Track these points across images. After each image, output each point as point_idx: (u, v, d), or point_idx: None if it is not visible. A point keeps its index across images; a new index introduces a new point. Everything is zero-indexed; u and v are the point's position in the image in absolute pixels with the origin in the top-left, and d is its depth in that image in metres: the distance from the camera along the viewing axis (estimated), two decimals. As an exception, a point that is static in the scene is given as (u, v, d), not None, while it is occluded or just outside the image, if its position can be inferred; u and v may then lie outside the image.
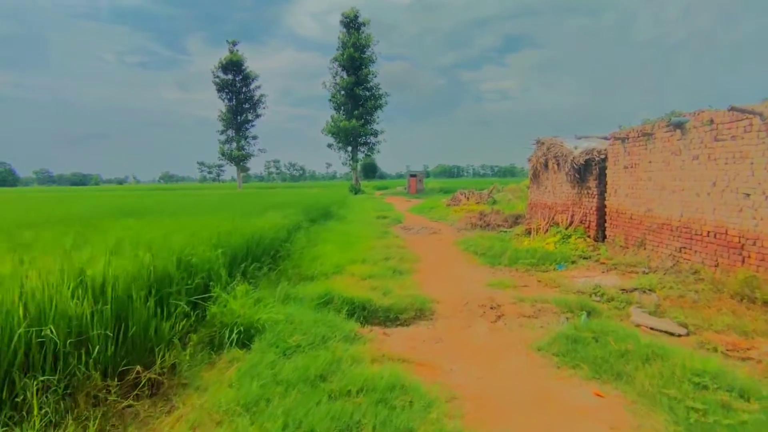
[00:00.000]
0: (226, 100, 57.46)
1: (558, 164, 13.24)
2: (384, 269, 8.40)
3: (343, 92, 43.47)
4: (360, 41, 42.40)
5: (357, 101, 43.17)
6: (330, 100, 44.10)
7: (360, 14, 43.12)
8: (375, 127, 45.12)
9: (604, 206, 11.21)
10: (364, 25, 43.49)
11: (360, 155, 45.59)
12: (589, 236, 11.43)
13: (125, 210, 12.03)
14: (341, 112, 44.36)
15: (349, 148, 44.79)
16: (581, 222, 11.86)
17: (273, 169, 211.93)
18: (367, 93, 43.56)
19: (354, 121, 41.82)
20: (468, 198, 24.64)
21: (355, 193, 41.68)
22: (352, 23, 43.03)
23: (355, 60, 41.96)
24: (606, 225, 11.02)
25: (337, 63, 43.13)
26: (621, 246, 10.10)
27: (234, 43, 58.04)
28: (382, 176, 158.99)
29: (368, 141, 45.22)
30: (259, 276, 6.94)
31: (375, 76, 44.06)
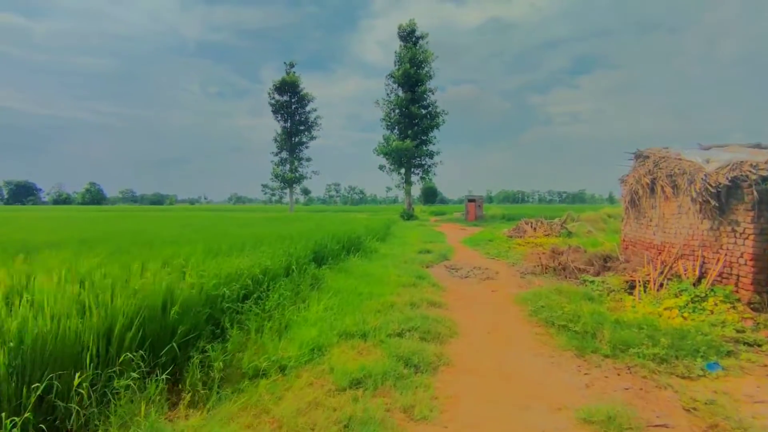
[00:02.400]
0: (281, 122, 56.93)
1: (675, 187, 9.06)
2: (390, 359, 4.83)
3: (397, 110, 40.65)
4: (417, 56, 39.61)
5: (412, 120, 40.11)
6: (383, 119, 41.45)
7: (418, 27, 40.50)
8: (431, 148, 41.78)
9: (764, 252, 6.97)
10: (422, 39, 40.72)
11: (414, 178, 42.30)
12: (738, 299, 7.18)
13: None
14: (395, 131, 41.51)
15: (402, 170, 41.64)
16: (721, 275, 7.61)
17: (333, 193, 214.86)
18: (423, 111, 40.40)
19: (408, 141, 38.73)
20: (535, 228, 20.38)
21: (407, 219, 38.24)
22: (409, 36, 40.43)
23: (411, 76, 39.12)
24: (772, 284, 6.77)
25: (392, 79, 40.53)
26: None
27: (291, 65, 57.74)
28: (444, 201, 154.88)
29: (423, 163, 41.85)
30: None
31: (432, 93, 40.98)
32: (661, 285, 8.15)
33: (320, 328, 5.52)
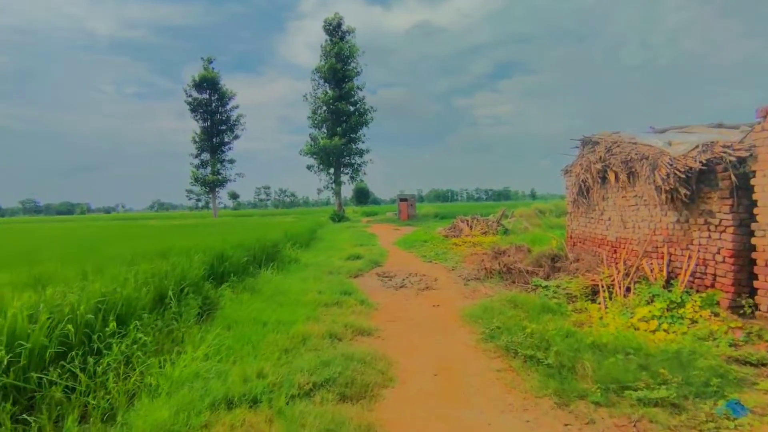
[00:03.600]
0: (200, 121, 52.57)
1: (631, 174, 7.98)
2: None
3: (324, 107, 38.59)
4: (344, 51, 37.81)
5: (340, 117, 38.24)
6: (310, 116, 39.20)
7: (344, 22, 38.72)
8: (360, 146, 40.17)
9: (747, 247, 5.93)
10: (349, 34, 39.00)
11: (344, 178, 40.44)
12: (717, 302, 6.09)
13: None
14: (323, 129, 39.41)
15: (332, 170, 39.64)
16: (693, 275, 6.53)
17: (264, 196, 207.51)
18: (351, 108, 38.67)
19: (337, 139, 36.82)
20: (471, 226, 19.32)
21: (338, 221, 36.34)
22: (335, 31, 38.51)
23: (337, 71, 37.23)
24: (757, 282, 5.72)
25: (318, 74, 38.38)
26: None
27: (209, 61, 53.52)
28: (376, 201, 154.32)
29: (353, 162, 40.11)
30: None
31: (360, 89, 39.36)
32: (628, 289, 6.96)
33: (183, 398, 3.53)
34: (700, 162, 6.19)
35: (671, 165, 6.65)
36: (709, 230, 6.39)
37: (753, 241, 5.82)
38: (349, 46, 38.79)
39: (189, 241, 9.60)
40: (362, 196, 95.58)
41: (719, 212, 6.19)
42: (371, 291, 8.85)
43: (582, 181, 9.57)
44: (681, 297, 6.26)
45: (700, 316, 5.94)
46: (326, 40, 38.39)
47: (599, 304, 6.88)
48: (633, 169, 7.82)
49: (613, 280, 7.21)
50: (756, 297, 5.82)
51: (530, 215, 23.31)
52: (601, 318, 6.35)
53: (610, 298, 6.91)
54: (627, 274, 7.22)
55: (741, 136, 6.45)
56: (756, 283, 5.81)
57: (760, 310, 5.77)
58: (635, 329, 5.86)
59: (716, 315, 5.95)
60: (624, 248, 8.38)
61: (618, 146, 8.35)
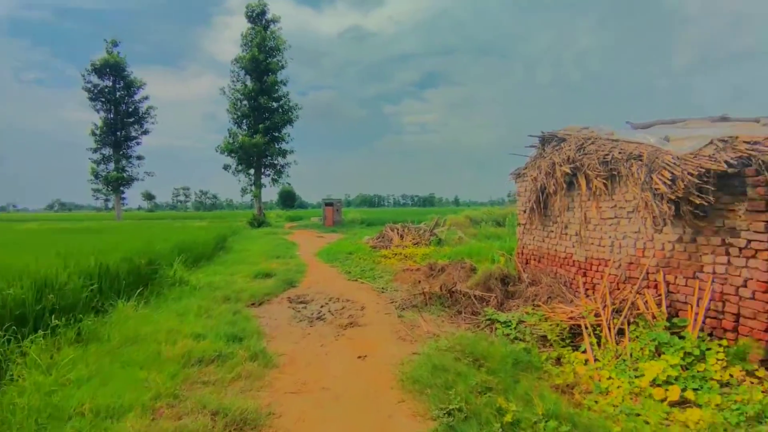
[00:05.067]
0: (101, 111, 46.33)
1: (612, 179, 6.31)
2: None
3: (245, 102, 35.13)
4: (267, 41, 34.67)
5: (262, 113, 34.94)
6: (228, 110, 35.44)
7: (269, 10, 35.55)
8: (284, 146, 37.08)
9: (784, 280, 4.36)
10: (274, 23, 35.84)
11: (266, 180, 37.08)
12: (743, 354, 4.45)
13: None
14: (243, 126, 35.87)
15: (252, 171, 36.17)
16: (706, 314, 4.88)
17: (182, 197, 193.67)
18: (275, 104, 35.53)
19: (258, 137, 33.51)
20: (402, 236, 17.38)
21: (257, 226, 33.02)
22: (258, 18, 35.18)
23: (260, 63, 33.95)
24: (811, 334, 4.14)
25: (239, 65, 34.83)
26: None
27: (114, 44, 47.39)
28: (303, 205, 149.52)
29: (275, 162, 36.89)
30: None
31: (285, 85, 36.32)
32: (621, 332, 5.19)
33: None
34: (726, 162, 4.53)
35: (678, 166, 4.97)
36: (728, 254, 4.76)
37: (795, 271, 4.24)
38: (275, 37, 35.74)
39: (14, 259, 6.60)
40: (288, 199, 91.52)
41: (747, 230, 4.57)
42: (276, 329, 6.42)
43: (541, 186, 7.86)
44: (698, 346, 4.56)
45: (730, 375, 4.25)
46: (248, 28, 35.00)
47: (584, 352, 5.03)
48: (616, 172, 6.14)
49: (599, 319, 5.40)
50: (799, 348, 4.23)
51: (462, 224, 21.92)
52: (592, 377, 4.48)
53: (599, 345, 5.09)
54: (617, 311, 5.45)
55: (766, 130, 4.92)
56: (798, 329, 4.23)
57: (803, 366, 4.19)
58: (648, 397, 4.04)
59: (751, 374, 4.29)
60: (597, 272, 6.70)
61: (593, 143, 6.68)
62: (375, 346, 5.65)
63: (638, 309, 5.27)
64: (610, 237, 6.44)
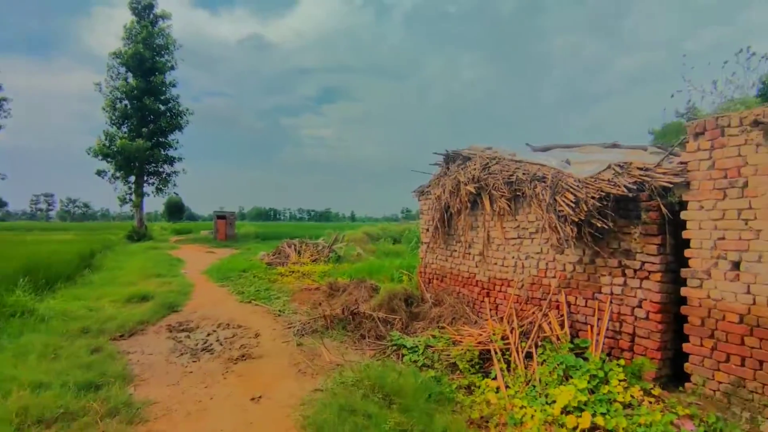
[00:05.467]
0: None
1: (516, 200, 6.37)
2: None
3: (126, 102, 31.59)
4: (154, 38, 31.70)
5: (146, 116, 31.68)
6: (104, 108, 31.53)
7: (158, 4, 32.58)
8: (171, 153, 33.96)
9: (670, 300, 4.60)
10: (164, 20, 32.93)
11: (149, 189, 33.52)
12: (639, 372, 4.58)
13: None
14: (123, 128, 32.16)
15: (132, 178, 32.50)
16: (606, 333, 4.99)
17: (43, 206, 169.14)
18: (162, 107, 32.47)
19: (141, 141, 30.24)
20: (300, 252, 16.60)
21: (137, 240, 29.61)
22: (145, 12, 32.06)
23: (145, 60, 30.82)
24: (688, 345, 4.37)
25: (118, 60, 31.26)
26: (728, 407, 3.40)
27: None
28: (193, 218, 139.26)
29: (161, 170, 33.60)
30: None
31: (174, 86, 33.43)
32: (529, 355, 5.11)
33: None
34: (625, 186, 4.70)
35: (581, 189, 5.08)
36: (624, 275, 4.94)
37: (684, 291, 4.48)
38: (164, 35, 32.85)
39: None
40: (175, 211, 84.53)
41: (641, 252, 4.76)
42: (149, 368, 5.37)
43: (445, 205, 7.78)
44: (602, 367, 4.60)
45: (632, 396, 4.31)
46: (132, 21, 31.69)
47: (494, 379, 4.85)
48: (520, 193, 6.20)
49: (507, 342, 5.29)
50: (687, 364, 4.45)
51: (361, 240, 21.72)
52: (505, 408, 4.28)
53: (509, 369, 4.95)
54: (524, 333, 5.39)
55: (653, 157, 5.24)
56: (686, 347, 4.45)
57: (691, 382, 4.41)
58: (561, 426, 3.91)
59: (648, 393, 4.41)
60: (501, 292, 6.71)
61: (497, 163, 6.72)
62: (271, 384, 4.93)
63: (544, 331, 5.26)
64: (513, 257, 6.48)
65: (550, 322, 5.41)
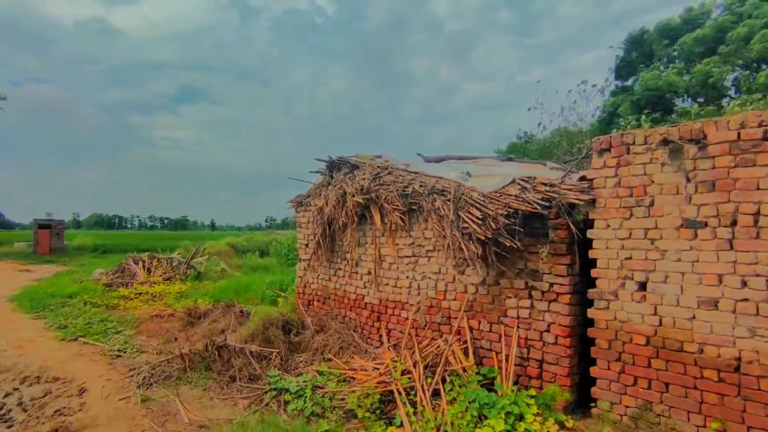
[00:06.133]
0: None
1: (411, 213, 5.79)
2: None
3: None
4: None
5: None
6: None
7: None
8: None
9: (577, 322, 4.39)
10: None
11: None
12: (551, 406, 4.25)
13: None
14: None
15: None
16: (515, 361, 4.60)
17: None
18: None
19: None
20: (150, 270, 14.15)
21: None
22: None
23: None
24: (596, 369, 4.17)
25: None
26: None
27: None
28: (10, 226, 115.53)
29: (-44, 166, 26.73)
30: None
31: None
32: (436, 392, 4.47)
33: None
34: (536, 203, 4.37)
35: (488, 205, 4.65)
36: (531, 298, 4.62)
37: (590, 313, 4.28)
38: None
39: None
40: (-20, 217, 68.89)
41: (549, 273, 4.48)
42: None
43: (329, 218, 6.91)
44: (516, 402, 4.16)
45: (548, 430, 3.94)
46: None
47: (400, 426, 4.11)
48: (416, 207, 5.62)
49: (410, 377, 4.59)
50: (594, 389, 4.25)
51: (225, 253, 19.61)
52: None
53: (415, 413, 4.24)
54: (429, 366, 4.75)
55: (555, 173, 5.07)
56: (594, 371, 4.25)
57: (597, 407, 4.22)
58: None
59: (562, 426, 4.08)
60: (394, 316, 6.05)
61: (390, 173, 6.08)
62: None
63: (450, 364, 4.69)
64: (407, 277, 5.88)
65: (453, 351, 4.88)
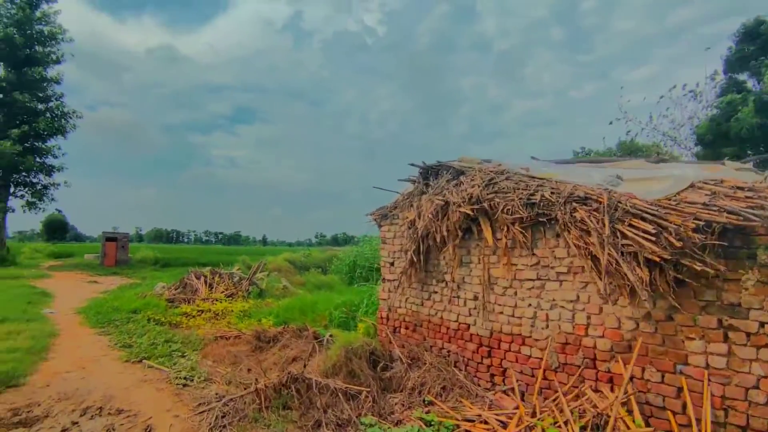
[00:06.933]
0: None
1: (534, 230, 4.71)
2: None
3: (-10, 95, 26.00)
4: (32, 23, 26.74)
5: (16, 113, 26.30)
6: (-37, 104, 25.68)
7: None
8: (51, 161, 28.64)
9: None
10: (47, 2, 28.02)
11: (17, 202, 27.77)
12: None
13: None
14: (-16, 126, 26.38)
15: (-6, 188, 26.62)
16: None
17: None
18: (39, 105, 27.30)
19: (8, 143, 24.87)
20: (211, 285, 13.72)
21: (-8, 265, 23.96)
22: (22, -9, 27.02)
23: (16, 48, 25.77)
24: None
25: (-18, 44, 25.77)
26: None
27: None
28: (80, 239, 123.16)
29: (35, 180, 28.09)
30: None
31: (58, 83, 28.39)
32: (604, 470, 3.33)
33: None
34: (744, 213, 3.20)
35: (662, 216, 3.52)
36: (728, 340, 3.41)
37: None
38: (48, 21, 27.92)
39: None
40: (57, 230, 73.49)
41: (759, 309, 3.26)
42: None
43: (423, 232, 5.94)
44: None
45: None
46: (2, 0, 26.44)
47: None
48: (545, 218, 4.54)
49: (565, 446, 3.47)
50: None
51: (285, 269, 19.09)
52: None
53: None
54: (590, 428, 3.60)
55: (740, 174, 3.87)
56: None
57: None
58: None
59: None
60: (510, 352, 4.94)
61: (508, 179, 5.06)
62: None
63: (619, 429, 3.53)
64: (530, 305, 4.78)
65: (603, 396, 3.71)
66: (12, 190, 27.68)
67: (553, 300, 4.57)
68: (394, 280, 6.77)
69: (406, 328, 6.52)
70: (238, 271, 16.41)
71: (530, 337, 4.73)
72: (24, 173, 27.52)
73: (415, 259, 6.08)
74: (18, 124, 26.55)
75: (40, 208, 29.57)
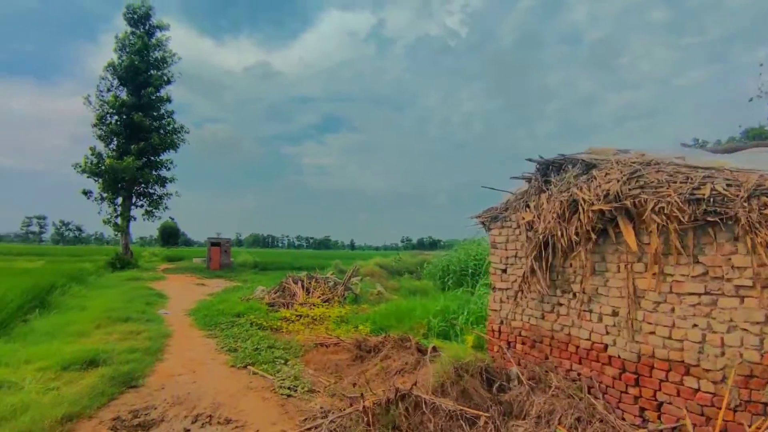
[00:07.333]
0: None
1: (698, 233, 3.78)
2: None
3: (116, 117, 29.30)
4: (150, 49, 29.68)
5: (136, 132, 29.28)
6: (95, 125, 29.21)
7: (156, 14, 30.72)
8: (164, 173, 31.52)
9: None
10: (161, 30, 31.01)
11: (138, 211, 30.93)
12: None
13: None
14: (111, 145, 29.75)
15: (120, 199, 29.90)
16: None
17: (36, 228, 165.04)
18: (154, 123, 30.18)
19: (130, 159, 27.77)
20: (308, 290, 13.87)
21: (119, 267, 26.77)
22: (141, 22, 30.15)
23: (139, 73, 28.77)
24: None
25: (110, 71, 29.12)
26: None
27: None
28: (188, 243, 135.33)
29: (152, 191, 31.10)
30: None
31: (169, 102, 31.24)
32: None
33: None
34: None
35: None
36: None
37: None
38: (161, 47, 30.87)
39: None
40: (170, 236, 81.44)
41: None
42: None
43: (545, 235, 5.19)
44: None
45: None
46: (126, 32, 29.70)
47: None
48: (717, 218, 3.63)
49: None
50: None
51: (377, 274, 18.97)
52: None
53: None
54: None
55: None
56: None
57: None
58: None
59: None
60: (666, 382, 4.04)
61: (658, 171, 4.18)
62: None
63: None
64: (696, 326, 3.85)
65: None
66: (133, 200, 30.82)
67: (730, 320, 3.62)
68: (507, 288, 6.06)
69: (523, 343, 5.78)
70: (332, 276, 16.54)
71: (697, 366, 3.81)
72: (143, 185, 30.51)
73: (536, 267, 5.34)
74: (136, 140, 29.51)
75: (156, 216, 32.66)
